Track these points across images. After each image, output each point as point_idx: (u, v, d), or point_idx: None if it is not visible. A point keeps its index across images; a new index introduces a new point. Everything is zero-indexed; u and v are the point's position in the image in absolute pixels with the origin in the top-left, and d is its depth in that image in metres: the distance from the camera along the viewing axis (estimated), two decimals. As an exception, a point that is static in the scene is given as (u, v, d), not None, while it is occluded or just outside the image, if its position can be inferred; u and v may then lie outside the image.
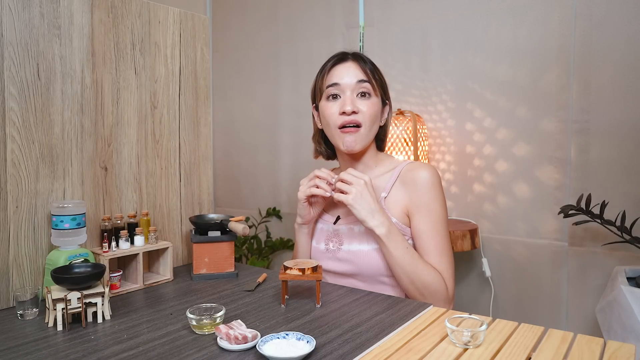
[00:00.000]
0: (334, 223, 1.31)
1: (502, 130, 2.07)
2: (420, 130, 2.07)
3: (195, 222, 1.40)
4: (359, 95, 1.23)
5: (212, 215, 1.48)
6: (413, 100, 2.29)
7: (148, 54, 1.41)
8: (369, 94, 1.23)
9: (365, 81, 1.23)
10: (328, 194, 1.20)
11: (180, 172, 1.51)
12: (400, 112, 2.11)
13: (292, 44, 2.68)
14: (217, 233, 1.35)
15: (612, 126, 1.82)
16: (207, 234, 1.35)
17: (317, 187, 1.21)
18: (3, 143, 1.11)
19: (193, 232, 1.39)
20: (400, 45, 2.32)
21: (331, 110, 1.24)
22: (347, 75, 1.24)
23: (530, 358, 0.84)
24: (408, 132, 2.03)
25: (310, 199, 1.27)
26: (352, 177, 1.16)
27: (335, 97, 1.25)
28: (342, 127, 1.23)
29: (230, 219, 1.37)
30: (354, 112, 1.21)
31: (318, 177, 1.22)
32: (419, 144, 2.05)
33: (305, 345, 0.85)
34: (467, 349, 0.86)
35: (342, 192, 1.17)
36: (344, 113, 1.21)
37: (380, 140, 1.35)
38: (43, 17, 1.17)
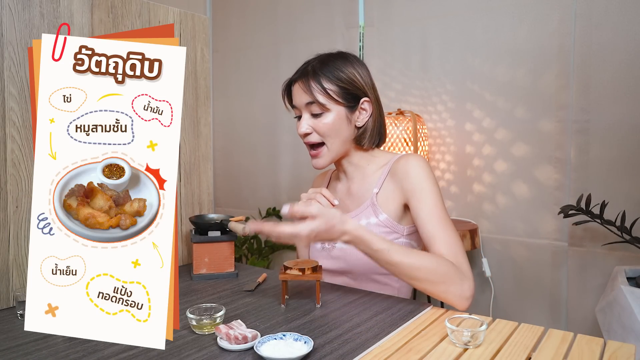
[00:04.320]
0: None
1: (502, 130, 2.07)
2: (420, 130, 2.07)
3: (195, 222, 1.40)
4: (312, 115, 1.25)
5: (212, 215, 1.48)
6: (413, 100, 2.29)
7: (148, 54, 1.41)
8: (319, 113, 1.24)
9: (310, 102, 1.23)
10: None
11: (180, 172, 1.51)
12: (400, 112, 2.11)
13: (292, 44, 2.68)
14: (217, 233, 1.35)
15: (612, 126, 1.82)
16: (207, 234, 1.35)
17: None
18: (3, 143, 1.11)
19: (193, 232, 1.39)
20: (400, 45, 2.32)
21: (297, 131, 1.29)
22: (298, 97, 1.26)
23: (530, 358, 0.84)
24: (408, 132, 2.03)
25: None
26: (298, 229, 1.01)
27: (299, 117, 1.29)
28: (307, 146, 1.29)
29: (230, 219, 1.37)
30: (307, 134, 1.25)
31: (317, 200, 1.19)
32: (419, 144, 2.05)
33: (303, 345, 0.85)
34: (467, 349, 0.86)
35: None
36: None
37: (361, 138, 1.28)
38: (43, 17, 1.17)
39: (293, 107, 1.30)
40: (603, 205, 1.64)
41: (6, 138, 1.11)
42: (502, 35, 2.04)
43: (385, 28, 2.36)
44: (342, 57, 1.27)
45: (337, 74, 1.24)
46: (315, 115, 1.24)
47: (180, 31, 1.49)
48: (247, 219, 1.31)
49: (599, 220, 1.64)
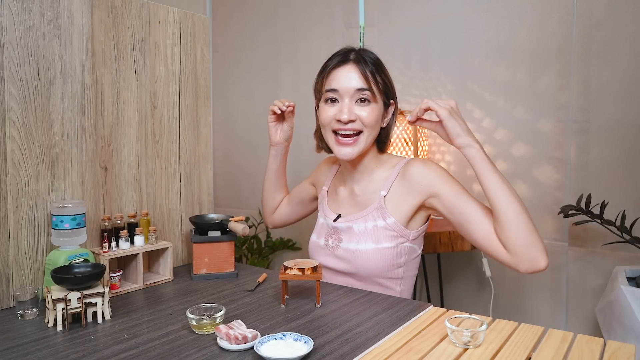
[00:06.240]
0: (334, 220, 1.31)
1: (501, 130, 2.07)
2: (420, 130, 2.07)
3: (195, 222, 1.40)
4: (358, 102, 1.21)
5: (212, 215, 1.48)
6: (413, 100, 2.29)
7: (148, 54, 1.41)
8: (368, 101, 1.21)
9: (364, 89, 1.20)
10: (282, 110, 1.44)
11: (180, 172, 1.51)
12: (401, 112, 2.11)
13: (292, 44, 2.68)
14: (217, 233, 1.35)
15: (612, 126, 1.82)
16: (207, 234, 1.35)
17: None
18: (3, 143, 1.11)
19: (193, 232, 1.39)
20: (400, 45, 2.32)
21: (327, 114, 1.23)
22: (347, 81, 1.20)
23: (530, 358, 0.84)
24: (408, 132, 2.03)
25: (276, 123, 1.48)
26: (440, 102, 1.18)
27: (333, 100, 1.23)
28: (337, 134, 1.23)
29: (230, 219, 1.37)
30: (351, 121, 1.20)
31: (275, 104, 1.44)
32: (419, 144, 2.05)
33: (303, 345, 0.85)
34: (467, 349, 0.86)
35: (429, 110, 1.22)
36: (339, 120, 1.21)
37: (381, 142, 1.31)
38: (43, 17, 1.17)
39: (327, 90, 1.23)
40: (603, 205, 1.63)
41: (6, 138, 1.11)
42: (502, 35, 2.04)
43: (385, 28, 2.36)
44: (380, 60, 1.30)
45: (385, 71, 1.27)
46: (360, 101, 1.21)
47: (180, 31, 1.49)
48: (247, 219, 1.31)
49: (599, 220, 1.63)
